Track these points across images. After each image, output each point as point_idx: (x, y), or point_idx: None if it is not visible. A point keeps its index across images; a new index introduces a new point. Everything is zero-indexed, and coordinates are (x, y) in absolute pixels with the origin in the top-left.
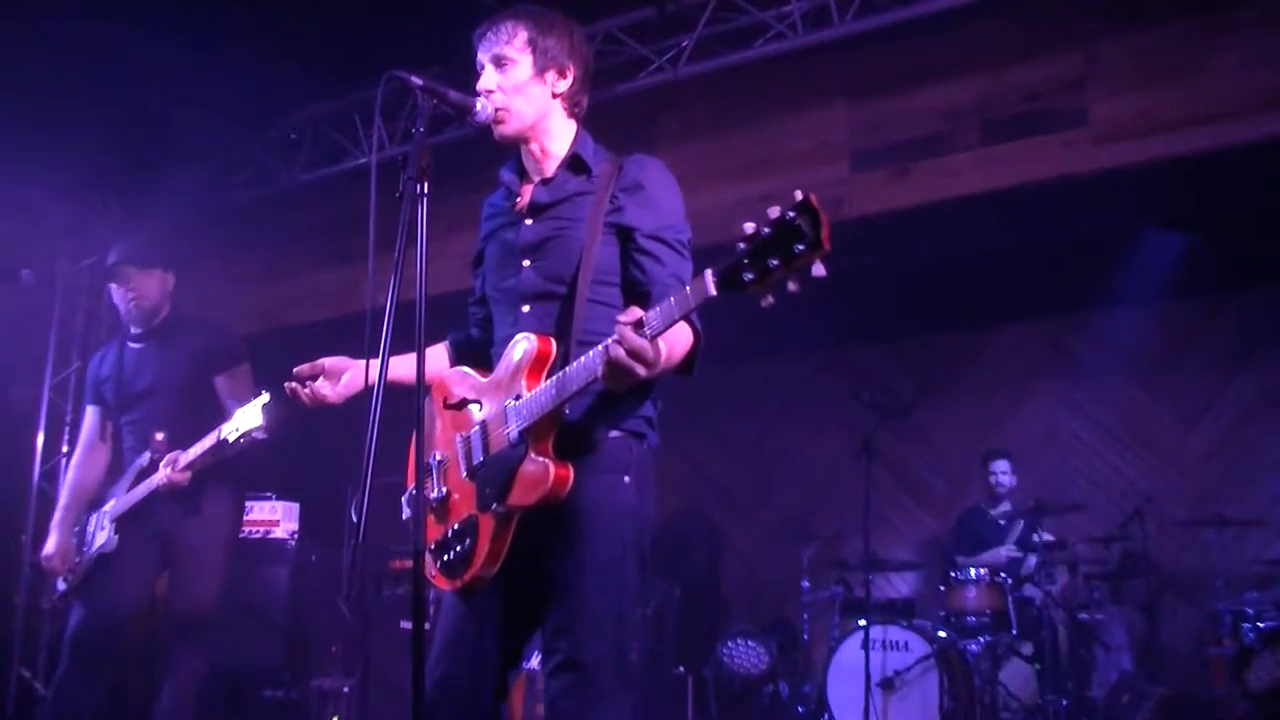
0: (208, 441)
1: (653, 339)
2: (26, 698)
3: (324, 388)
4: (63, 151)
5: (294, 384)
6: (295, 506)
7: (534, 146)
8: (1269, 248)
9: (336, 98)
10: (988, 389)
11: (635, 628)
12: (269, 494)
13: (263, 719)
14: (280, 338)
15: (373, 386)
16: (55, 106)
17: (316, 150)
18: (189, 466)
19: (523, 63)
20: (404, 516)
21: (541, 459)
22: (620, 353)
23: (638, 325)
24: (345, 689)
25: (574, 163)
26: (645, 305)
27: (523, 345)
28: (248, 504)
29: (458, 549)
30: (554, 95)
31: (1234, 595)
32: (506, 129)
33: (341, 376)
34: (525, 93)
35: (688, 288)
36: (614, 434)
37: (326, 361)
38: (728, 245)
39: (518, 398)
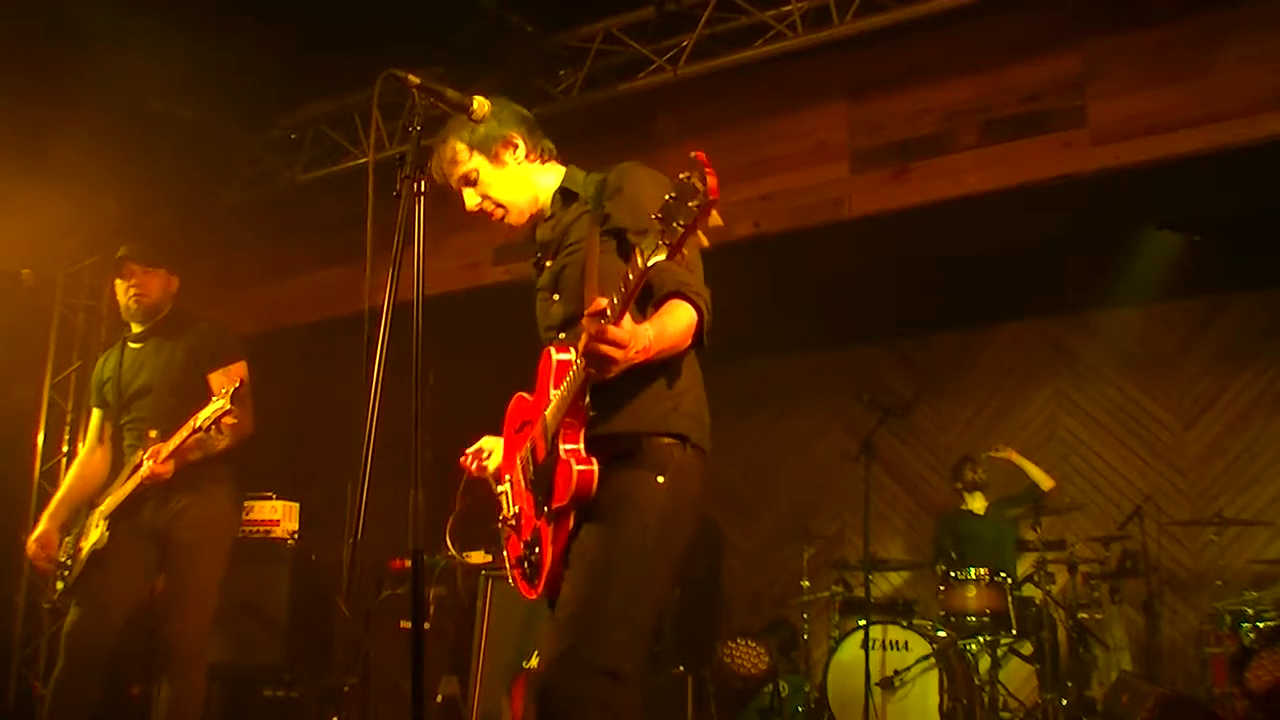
0: (184, 431)
1: (615, 322)
2: (27, 698)
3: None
4: (63, 151)
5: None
6: (295, 506)
7: (539, 210)
8: (1269, 248)
9: (336, 98)
10: (988, 389)
11: (641, 624)
12: (269, 494)
13: (263, 719)
14: (280, 338)
15: None
16: (55, 106)
17: (316, 150)
18: (170, 457)
19: (479, 166)
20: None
21: (567, 459)
22: (586, 341)
23: (600, 313)
24: (345, 689)
25: (564, 195)
26: (652, 299)
27: (544, 359)
28: (248, 504)
29: (530, 560)
30: (519, 164)
31: (1234, 595)
32: (512, 219)
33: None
34: (500, 185)
35: (629, 269)
36: (659, 439)
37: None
38: (727, 245)
39: (548, 408)
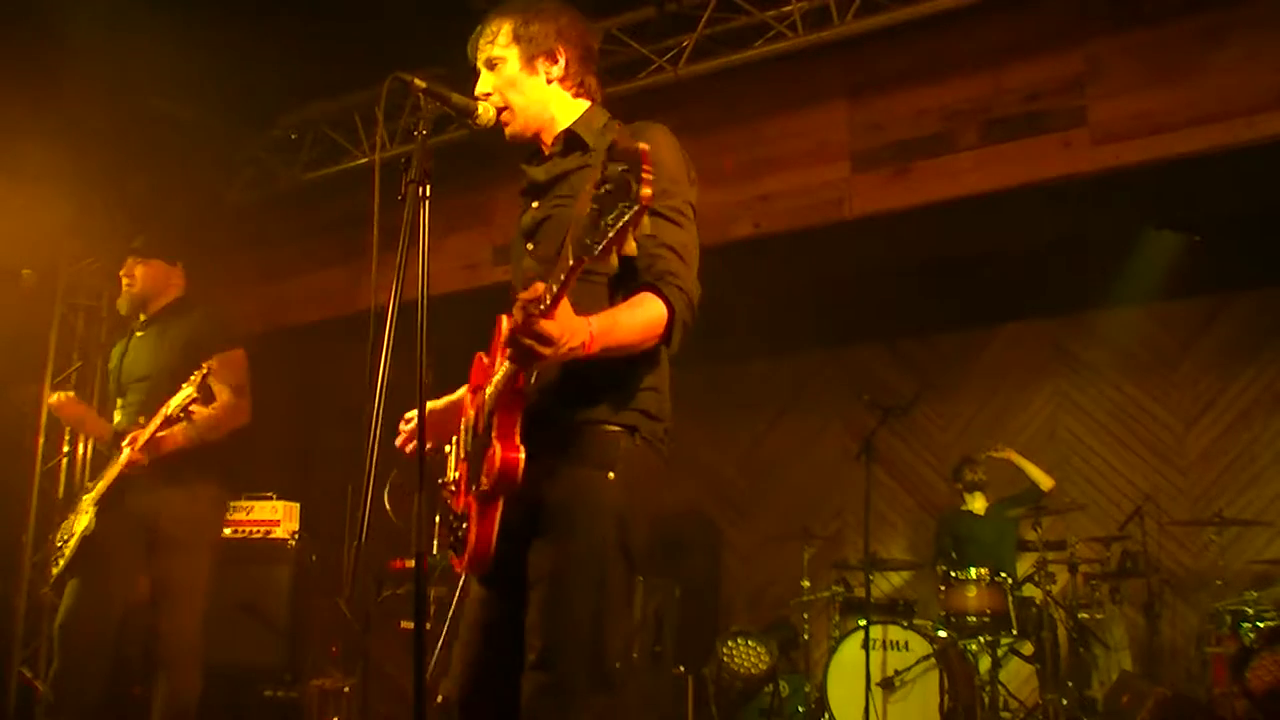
0: (156, 419)
1: (549, 314)
2: (27, 698)
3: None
4: (64, 151)
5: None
6: (295, 506)
7: (544, 136)
8: (1269, 248)
9: (337, 98)
10: (988, 389)
11: (619, 629)
12: (269, 494)
13: (263, 719)
14: (280, 338)
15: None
16: (56, 106)
17: (317, 150)
18: (147, 445)
19: (510, 58)
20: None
21: (495, 441)
22: (509, 330)
23: (535, 300)
24: (345, 689)
25: (569, 139)
26: (636, 279)
27: (499, 328)
28: (247, 503)
29: (458, 533)
30: (550, 82)
31: (1234, 595)
32: (513, 128)
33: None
34: (519, 87)
35: (564, 257)
36: (602, 426)
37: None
38: (727, 245)
39: (490, 382)
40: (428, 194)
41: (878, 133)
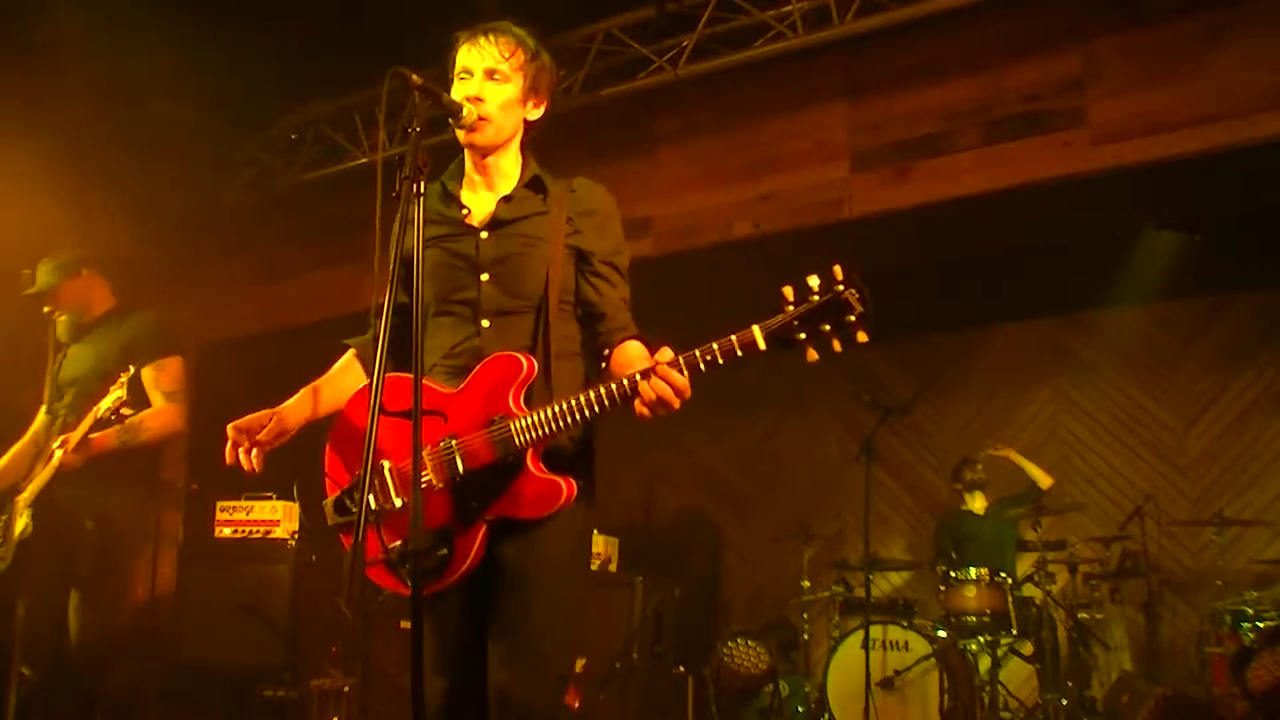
0: (87, 421)
1: (692, 377)
2: (27, 698)
3: (269, 438)
4: (62, 151)
5: (238, 451)
6: (295, 506)
7: (491, 162)
8: (1269, 248)
9: (336, 98)
10: (988, 389)
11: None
12: (269, 494)
13: (263, 719)
14: (280, 338)
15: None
16: (55, 106)
17: (316, 150)
18: (79, 447)
19: (514, 82)
20: (329, 524)
21: (545, 475)
22: (667, 391)
23: (675, 364)
24: (345, 689)
25: (534, 183)
26: (598, 325)
27: (505, 363)
28: (248, 504)
29: (437, 554)
30: (526, 120)
31: (1234, 595)
32: (481, 138)
33: (276, 425)
34: (511, 111)
35: (734, 337)
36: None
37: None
38: (727, 245)
39: (503, 415)
40: (422, 191)
41: (878, 133)
